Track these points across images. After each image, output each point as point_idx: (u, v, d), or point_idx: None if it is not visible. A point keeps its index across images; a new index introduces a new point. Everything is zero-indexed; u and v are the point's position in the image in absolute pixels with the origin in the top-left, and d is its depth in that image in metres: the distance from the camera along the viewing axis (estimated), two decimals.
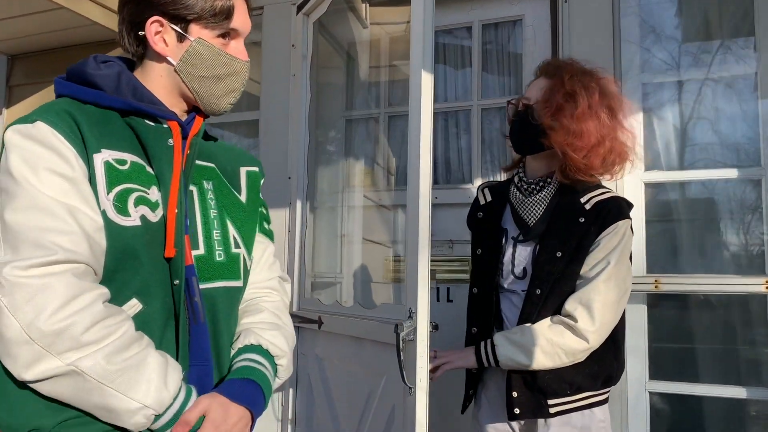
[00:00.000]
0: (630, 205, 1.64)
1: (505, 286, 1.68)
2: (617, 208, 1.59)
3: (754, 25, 2.14)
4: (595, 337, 1.52)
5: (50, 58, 3.15)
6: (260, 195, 1.29)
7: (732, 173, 2.14)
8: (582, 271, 1.56)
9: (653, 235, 2.19)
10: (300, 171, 2.51)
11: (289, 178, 2.57)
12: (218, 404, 1.03)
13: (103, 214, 0.99)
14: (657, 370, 2.15)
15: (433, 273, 2.48)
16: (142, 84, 1.13)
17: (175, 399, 0.98)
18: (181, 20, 1.10)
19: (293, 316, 2.35)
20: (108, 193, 1.00)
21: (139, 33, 1.12)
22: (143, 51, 1.15)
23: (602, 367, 1.59)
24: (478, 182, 2.52)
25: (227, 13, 1.12)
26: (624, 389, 2.07)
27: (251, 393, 1.08)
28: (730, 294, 2.09)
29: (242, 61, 1.16)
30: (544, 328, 1.55)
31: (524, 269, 1.64)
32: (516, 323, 1.62)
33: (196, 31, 1.11)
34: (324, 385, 2.22)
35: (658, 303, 2.19)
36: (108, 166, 1.02)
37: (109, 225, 0.99)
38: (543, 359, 1.52)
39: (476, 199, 1.83)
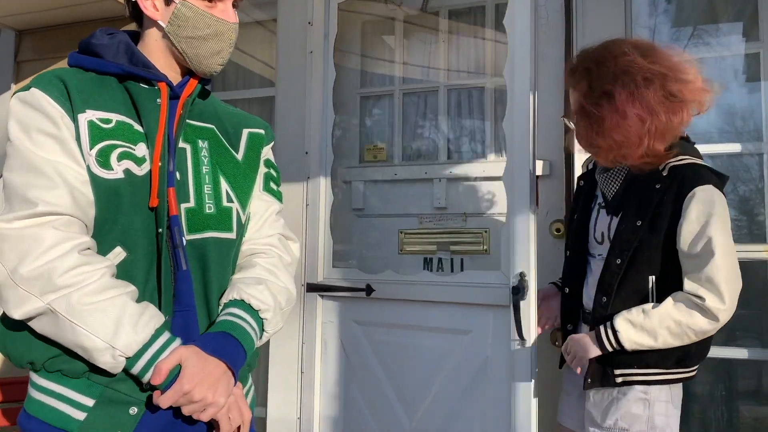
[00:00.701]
0: (715, 172, 1.59)
1: (591, 251, 1.74)
2: (693, 173, 1.55)
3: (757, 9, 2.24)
4: (725, 315, 1.48)
5: (58, 34, 3.16)
6: (270, 158, 1.37)
7: (736, 147, 2.26)
8: (681, 246, 1.53)
9: None
10: (324, 146, 2.58)
11: (306, 152, 2.63)
12: (194, 355, 1.09)
13: (87, 168, 1.10)
14: None
15: (447, 244, 2.59)
16: (138, 50, 1.22)
17: (148, 346, 1.06)
18: None
19: (320, 286, 2.49)
20: (90, 149, 1.10)
21: (134, 1, 1.22)
22: (140, 19, 1.25)
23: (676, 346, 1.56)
24: (491, 157, 2.61)
25: None
26: None
27: (228, 346, 1.13)
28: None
29: (227, 22, 1.23)
30: (670, 309, 1.51)
31: (602, 234, 1.69)
32: (591, 287, 1.68)
33: None
34: (373, 348, 2.44)
35: None
36: (91, 124, 1.12)
37: (93, 178, 1.10)
38: (671, 340, 1.52)
39: (582, 171, 1.95)
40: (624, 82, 1.55)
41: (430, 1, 2.75)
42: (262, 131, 1.37)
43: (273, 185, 1.36)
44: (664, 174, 1.58)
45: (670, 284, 1.55)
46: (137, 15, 1.25)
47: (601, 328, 1.58)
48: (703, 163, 1.63)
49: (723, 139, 2.29)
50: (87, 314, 1.03)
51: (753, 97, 2.26)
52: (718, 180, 1.57)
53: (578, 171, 2.16)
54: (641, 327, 1.53)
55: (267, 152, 1.38)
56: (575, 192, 1.91)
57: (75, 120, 1.11)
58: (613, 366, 1.60)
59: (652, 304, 1.55)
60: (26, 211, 1.04)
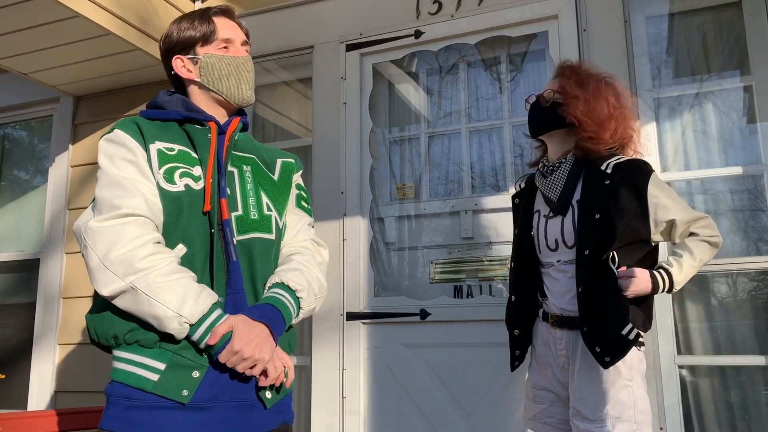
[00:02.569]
0: (647, 163, 1.88)
1: (542, 260, 1.94)
2: (639, 167, 1.84)
3: (747, 48, 2.50)
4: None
5: (113, 98, 3.49)
6: (300, 183, 1.68)
7: (737, 170, 2.47)
8: (680, 221, 1.82)
9: None
10: (363, 187, 2.89)
11: (342, 192, 2.88)
12: (243, 321, 1.35)
13: (157, 184, 1.40)
14: (685, 346, 2.42)
15: (476, 272, 2.78)
16: (191, 102, 1.57)
17: (207, 315, 1.32)
18: (190, 48, 1.56)
19: (363, 314, 2.71)
20: (159, 169, 1.41)
21: (172, 72, 1.58)
22: (182, 83, 1.60)
23: (644, 309, 1.82)
24: (512, 190, 2.84)
25: (212, 32, 1.56)
26: (657, 364, 2.33)
27: (270, 313, 1.40)
28: (744, 271, 2.38)
29: (241, 58, 1.58)
30: (704, 254, 1.84)
31: (556, 240, 1.90)
32: (558, 294, 1.87)
33: (201, 51, 1.56)
34: (429, 369, 2.67)
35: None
36: (159, 151, 1.43)
37: (161, 191, 1.39)
38: (692, 275, 1.86)
39: (516, 191, 2.16)
40: (607, 85, 1.95)
41: (443, 56, 3.06)
42: (292, 161, 1.68)
43: (304, 203, 1.66)
44: (609, 172, 1.83)
45: (631, 259, 1.80)
46: (178, 81, 1.61)
47: (657, 275, 1.81)
48: (633, 157, 1.93)
49: (724, 163, 2.51)
50: (160, 290, 1.29)
51: (751, 125, 2.49)
52: (649, 164, 1.90)
53: None
54: (686, 271, 1.83)
55: (297, 178, 1.68)
56: (514, 209, 2.12)
57: (147, 150, 1.43)
58: (604, 354, 1.72)
59: (688, 255, 1.83)
60: (113, 213, 1.35)
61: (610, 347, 1.74)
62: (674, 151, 2.60)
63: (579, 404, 1.78)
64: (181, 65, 1.56)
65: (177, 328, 1.30)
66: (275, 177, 1.60)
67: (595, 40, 2.59)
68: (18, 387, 3.40)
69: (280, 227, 1.56)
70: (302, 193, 1.67)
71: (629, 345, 1.73)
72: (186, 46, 1.56)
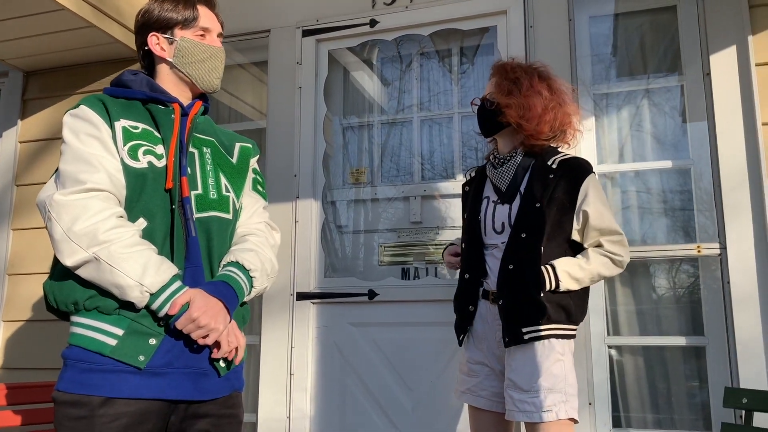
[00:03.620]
0: (589, 163, 2.03)
1: (486, 242, 2.07)
2: (580, 166, 2.00)
3: (680, 50, 2.67)
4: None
5: (64, 74, 3.44)
6: (256, 168, 1.77)
7: (667, 164, 2.64)
8: (591, 221, 1.95)
9: None
10: (316, 171, 2.96)
11: (295, 175, 2.95)
12: (201, 295, 1.44)
13: (121, 160, 1.46)
14: (614, 327, 2.59)
15: (423, 255, 2.89)
16: (156, 82, 1.63)
17: (168, 286, 1.39)
18: (168, 29, 1.63)
19: (312, 294, 2.79)
20: (123, 146, 1.47)
21: (145, 48, 1.65)
22: (151, 59, 1.66)
23: (572, 301, 1.94)
24: (460, 178, 2.95)
25: (194, 18, 1.64)
26: (588, 343, 2.49)
27: (225, 290, 1.49)
28: (672, 258, 2.56)
29: (216, 47, 1.67)
30: (597, 264, 1.95)
31: (502, 224, 2.04)
32: (497, 271, 2.00)
33: (179, 33, 1.63)
34: (376, 347, 2.77)
35: None
36: (124, 129, 1.49)
37: (125, 167, 1.46)
38: (587, 284, 1.97)
39: (465, 178, 2.29)
40: (540, 77, 2.08)
41: (402, 46, 3.15)
42: (250, 145, 1.77)
43: (259, 187, 1.75)
44: (554, 167, 1.99)
45: (553, 253, 1.94)
46: (147, 59, 1.68)
47: (546, 276, 1.91)
48: (577, 156, 2.07)
49: (656, 157, 2.68)
50: (122, 261, 1.37)
51: (682, 121, 2.66)
52: (591, 166, 2.03)
53: None
54: (576, 279, 1.93)
55: (254, 163, 1.76)
56: (463, 197, 2.26)
57: (112, 126, 1.48)
58: (521, 325, 1.89)
59: (582, 260, 1.95)
60: (77, 187, 1.40)
61: (511, 332, 1.91)
62: (611, 145, 2.76)
63: (514, 376, 1.91)
64: (155, 42, 1.62)
65: (138, 296, 1.37)
66: (233, 160, 1.68)
67: (540, 37, 2.72)
68: None
69: (237, 208, 1.64)
70: (258, 177, 1.76)
71: (522, 341, 1.89)
72: (164, 26, 1.62)
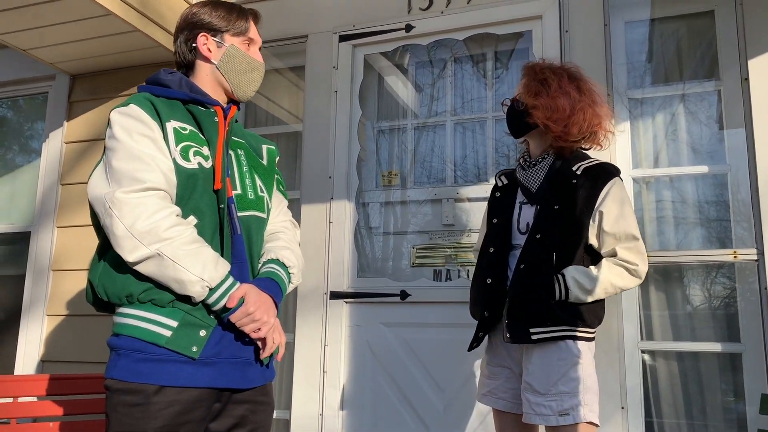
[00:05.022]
0: (617, 168, 2.02)
1: (513, 243, 2.08)
2: (605, 171, 2.00)
3: (717, 55, 2.66)
4: (644, 275, 1.98)
5: (109, 77, 3.56)
6: (276, 167, 1.82)
7: (704, 169, 2.63)
8: (604, 226, 1.93)
9: (639, 220, 2.65)
10: (351, 173, 3.02)
11: (330, 177, 3.00)
12: (254, 290, 1.52)
13: (174, 160, 1.50)
14: (647, 332, 2.58)
15: (454, 257, 2.92)
16: (195, 83, 1.67)
17: (224, 281, 1.46)
18: (219, 33, 1.68)
19: (346, 293, 2.86)
20: (176, 147, 1.51)
21: (193, 45, 1.68)
22: (194, 58, 1.69)
23: (582, 309, 1.92)
24: (492, 182, 2.97)
25: (246, 29, 1.70)
26: (622, 347, 2.48)
27: (273, 287, 1.58)
28: (708, 263, 2.55)
29: (259, 62, 1.74)
30: (610, 274, 1.92)
31: (527, 224, 2.05)
32: (514, 268, 2.00)
33: (228, 40, 1.68)
34: (407, 347, 2.81)
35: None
36: (175, 130, 1.54)
37: (177, 167, 1.50)
38: (602, 296, 1.94)
39: (495, 184, 2.28)
40: (570, 77, 2.09)
41: (434, 51, 3.19)
42: (274, 147, 1.85)
43: (281, 187, 1.83)
44: (578, 173, 1.99)
45: (566, 256, 1.93)
46: (188, 61, 1.70)
47: (556, 284, 1.90)
48: (605, 161, 2.06)
49: (692, 163, 2.67)
50: (184, 257, 1.43)
51: (719, 127, 2.65)
52: (618, 170, 2.03)
53: None
54: (585, 289, 1.90)
55: (276, 163, 1.84)
56: (492, 202, 2.24)
57: (163, 127, 1.53)
58: (529, 325, 1.89)
59: (594, 269, 1.93)
60: (137, 186, 1.45)
61: (517, 329, 1.91)
62: (646, 150, 2.75)
63: (531, 378, 1.91)
64: (204, 42, 1.67)
65: (198, 291, 1.43)
66: (264, 161, 1.76)
67: (576, 42, 2.73)
68: (4, 356, 3.48)
69: (270, 207, 1.71)
70: (280, 177, 1.83)
71: (529, 340, 1.89)
72: (216, 29, 1.67)
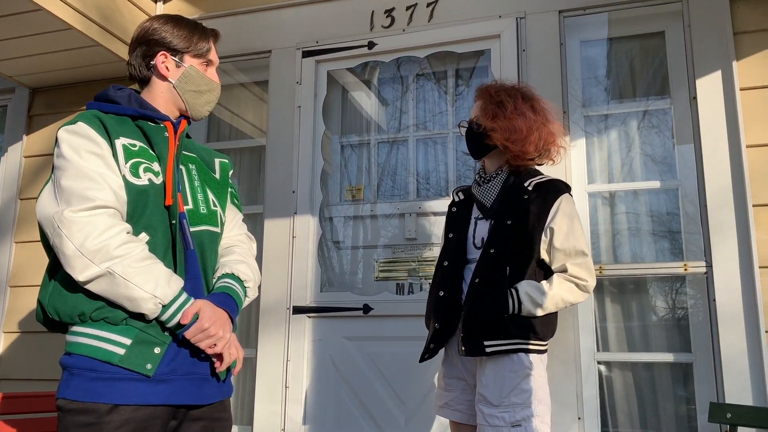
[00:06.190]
0: (566, 185, 2.09)
1: (468, 257, 2.12)
2: (555, 187, 2.06)
3: (668, 74, 2.76)
4: (593, 289, 2.05)
5: (70, 91, 3.53)
6: (232, 182, 1.84)
7: (656, 184, 2.72)
8: (554, 243, 1.99)
9: (594, 233, 2.73)
10: (314, 187, 3.04)
11: (293, 192, 3.02)
12: (209, 306, 1.52)
13: (123, 177, 1.50)
14: (603, 343, 2.64)
15: (417, 270, 2.95)
16: (145, 99, 1.67)
17: (177, 297, 1.46)
18: (179, 53, 1.68)
19: (308, 308, 2.85)
20: (126, 163, 1.51)
21: (151, 63, 1.67)
22: (150, 75, 1.69)
23: (535, 322, 1.97)
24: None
25: (207, 49, 1.71)
26: (578, 358, 2.54)
27: (229, 301, 1.58)
28: (660, 276, 2.62)
29: (216, 83, 1.76)
30: (561, 290, 1.97)
31: (482, 239, 2.09)
32: (469, 282, 2.04)
33: (188, 60, 1.69)
34: (370, 360, 2.83)
35: (601, 288, 2.70)
36: (124, 147, 1.54)
37: (127, 184, 1.50)
38: (552, 310, 1.99)
39: (452, 199, 2.33)
40: (523, 98, 2.15)
41: (402, 68, 3.24)
42: (227, 161, 1.85)
43: (236, 200, 1.84)
44: (530, 189, 2.06)
45: (519, 270, 1.99)
46: (143, 75, 1.70)
47: (510, 300, 1.95)
48: (555, 177, 2.12)
49: (645, 178, 2.75)
50: (136, 274, 1.42)
51: (670, 143, 2.74)
52: (567, 187, 2.09)
53: None
54: (537, 303, 1.96)
55: (230, 177, 1.85)
56: (449, 217, 2.28)
57: (112, 144, 1.53)
58: (483, 338, 1.94)
59: (546, 284, 1.98)
60: (86, 204, 1.44)
61: (471, 342, 1.95)
62: (601, 165, 2.84)
63: (484, 390, 1.95)
64: (162, 61, 1.66)
65: (151, 308, 1.43)
66: (216, 175, 1.76)
67: (533, 60, 2.81)
68: None
69: (223, 221, 1.72)
70: (234, 191, 1.84)
71: (483, 353, 1.93)
72: (176, 50, 1.67)
